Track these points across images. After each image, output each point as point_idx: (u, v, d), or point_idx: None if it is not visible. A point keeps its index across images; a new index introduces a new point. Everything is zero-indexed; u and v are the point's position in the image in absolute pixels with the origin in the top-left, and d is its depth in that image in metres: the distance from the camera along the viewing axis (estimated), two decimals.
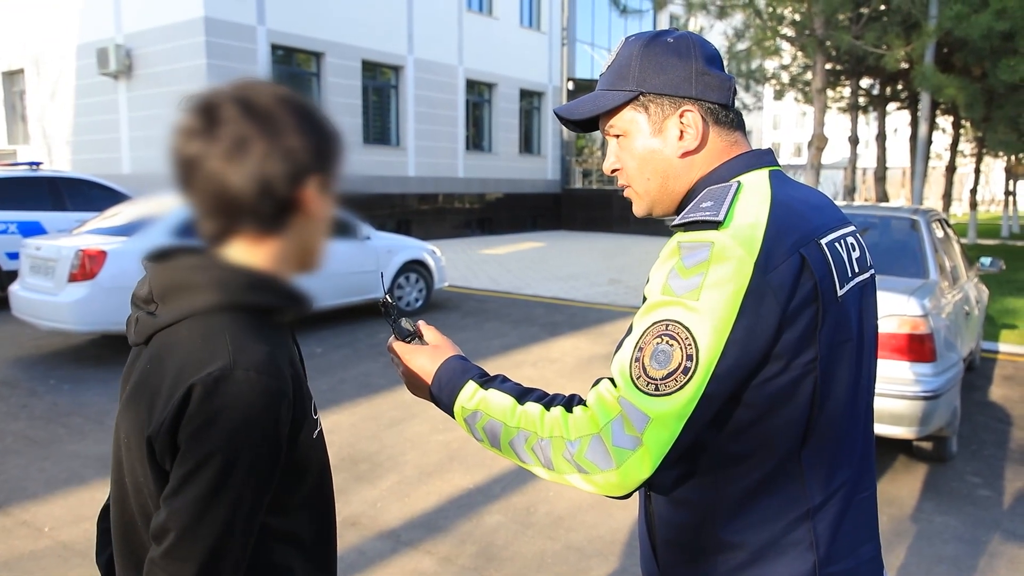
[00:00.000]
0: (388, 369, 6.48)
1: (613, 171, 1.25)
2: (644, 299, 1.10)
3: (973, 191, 22.89)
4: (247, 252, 1.02)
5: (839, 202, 8.50)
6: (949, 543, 3.57)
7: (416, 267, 9.15)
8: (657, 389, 1.00)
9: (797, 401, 1.06)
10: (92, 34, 16.80)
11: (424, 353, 1.27)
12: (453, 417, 1.21)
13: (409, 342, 1.31)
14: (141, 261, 1.06)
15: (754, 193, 1.09)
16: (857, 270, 1.15)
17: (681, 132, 1.17)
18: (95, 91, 16.94)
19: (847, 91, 17.62)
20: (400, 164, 19.09)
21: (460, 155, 21.07)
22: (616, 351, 1.10)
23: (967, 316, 5.02)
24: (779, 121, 67.41)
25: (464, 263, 14.42)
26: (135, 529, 1.04)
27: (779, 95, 17.76)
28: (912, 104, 16.99)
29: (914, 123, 17.02)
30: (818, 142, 10.83)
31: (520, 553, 3.42)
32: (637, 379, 1.02)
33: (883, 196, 16.75)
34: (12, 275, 8.13)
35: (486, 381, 1.19)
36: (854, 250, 1.16)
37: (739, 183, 1.12)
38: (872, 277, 1.21)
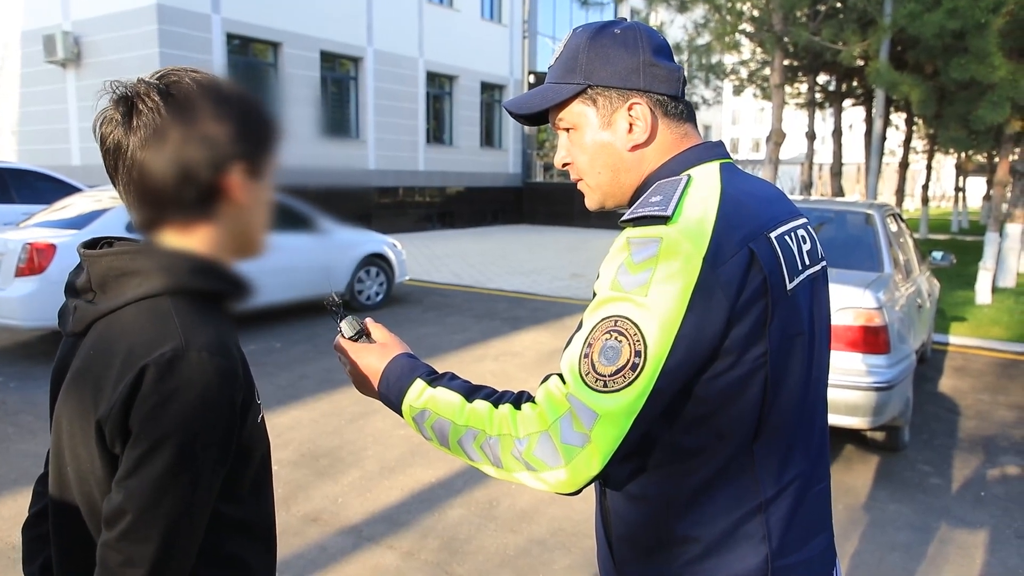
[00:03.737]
0: None
1: (564, 165, 1.24)
2: (594, 294, 1.09)
3: (925, 187, 23.47)
4: (179, 239, 1.02)
5: (796, 197, 8.64)
6: (902, 530, 3.65)
7: (377, 261, 9.07)
8: (605, 386, 1.00)
9: (748, 395, 1.05)
10: (38, 20, 16.30)
11: (372, 351, 1.25)
12: (402, 416, 1.19)
13: (356, 340, 1.28)
14: (78, 250, 1.05)
15: (704, 187, 1.09)
16: (808, 263, 1.14)
17: (630, 125, 1.15)
18: (42, 80, 16.46)
19: (804, 87, 17.89)
20: (360, 157, 18.89)
21: (421, 148, 20.93)
22: (566, 347, 1.08)
23: (920, 309, 5.14)
24: (738, 116, 68.25)
25: (426, 257, 14.35)
26: (76, 521, 1.01)
27: (738, 91, 17.95)
28: (867, 101, 17.33)
29: (869, 120, 17.36)
30: (776, 137, 10.98)
31: (483, 547, 3.41)
32: (586, 375, 1.01)
33: (839, 191, 17.06)
34: None
35: (434, 379, 1.17)
36: (804, 243, 1.15)
37: (689, 176, 1.11)
38: (823, 269, 1.21)
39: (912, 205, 40.30)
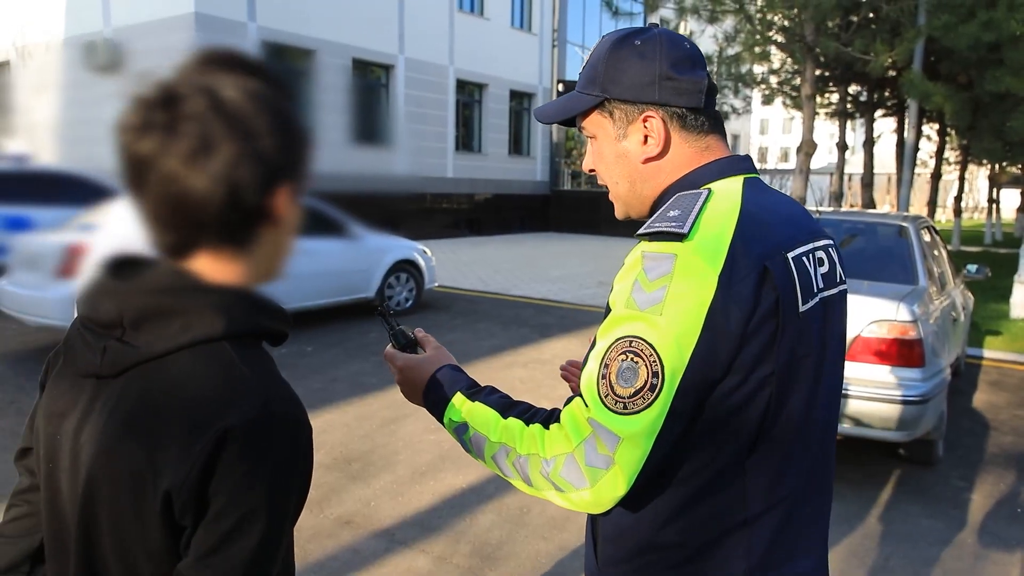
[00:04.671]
0: (380, 368, 6.48)
1: (590, 171, 1.26)
2: (608, 308, 1.09)
3: (957, 198, 23.16)
4: (214, 267, 0.89)
5: (826, 208, 8.58)
6: (935, 546, 3.62)
7: (407, 267, 9.15)
8: (625, 408, 1.00)
9: (750, 413, 1.05)
10: (79, 27, 16.68)
11: (419, 362, 1.29)
12: (443, 425, 1.22)
13: (406, 350, 1.33)
14: (98, 278, 0.92)
15: (723, 202, 1.08)
16: (823, 285, 1.13)
17: (645, 137, 1.15)
18: (83, 85, 16.82)
19: (835, 97, 17.76)
20: (390, 163, 19.05)
21: (450, 155, 21.07)
22: (583, 365, 1.09)
23: (954, 322, 5.09)
24: (767, 126, 67.80)
25: (453, 264, 14.42)
26: None
27: (768, 100, 17.85)
28: (899, 111, 17.16)
29: (900, 130, 17.19)
30: (807, 147, 10.91)
31: (515, 553, 3.44)
32: (605, 397, 1.02)
33: (869, 202, 16.90)
34: (0, 270, 8.07)
35: (474, 393, 1.19)
36: (822, 265, 1.14)
37: (710, 191, 1.10)
38: (841, 293, 1.20)
39: (944, 217, 39.73)
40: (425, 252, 9.48)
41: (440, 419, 1.22)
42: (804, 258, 1.10)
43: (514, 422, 1.11)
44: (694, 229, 1.03)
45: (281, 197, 0.89)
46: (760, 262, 1.02)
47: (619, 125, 1.17)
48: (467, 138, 22.38)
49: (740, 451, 1.07)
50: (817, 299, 1.11)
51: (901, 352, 4.05)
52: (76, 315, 0.94)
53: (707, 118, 1.17)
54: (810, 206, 10.68)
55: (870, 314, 4.07)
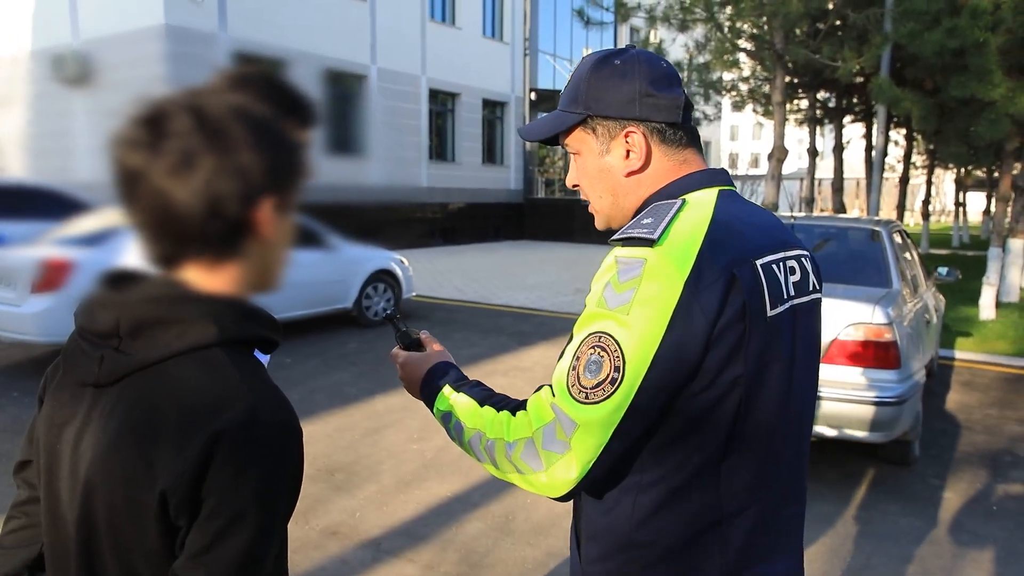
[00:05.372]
0: (360, 379, 6.46)
1: (574, 186, 1.32)
2: (585, 306, 1.16)
3: (925, 202, 23.59)
4: (203, 277, 0.93)
5: (800, 213, 8.71)
6: (914, 544, 3.69)
7: (384, 277, 9.12)
8: (587, 397, 1.06)
9: (721, 415, 1.09)
10: (47, 39, 16.45)
11: (417, 360, 1.39)
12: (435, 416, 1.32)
13: (410, 349, 1.46)
14: (96, 290, 0.96)
15: (696, 211, 1.13)
16: (794, 293, 1.17)
17: (627, 152, 1.21)
18: (51, 97, 16.59)
19: (804, 103, 18.04)
20: (364, 173, 19.00)
21: (424, 164, 21.06)
22: (559, 359, 1.15)
23: (927, 324, 5.20)
24: (736, 132, 68.57)
25: (430, 273, 14.41)
26: None
27: (738, 107, 18.09)
28: (867, 117, 17.46)
29: (868, 135, 17.49)
30: (778, 153, 11.07)
31: (502, 559, 3.45)
32: (571, 387, 1.08)
33: (840, 207, 17.16)
34: None
35: (461, 385, 1.28)
36: (793, 273, 1.19)
37: (684, 200, 1.16)
38: (814, 301, 1.24)
39: (912, 220, 40.46)
40: (402, 262, 9.46)
41: (432, 409, 1.31)
42: (774, 266, 1.15)
43: (488, 410, 1.19)
44: (664, 236, 1.09)
45: (264, 210, 0.92)
46: (728, 269, 1.07)
47: (602, 141, 1.23)
48: (440, 147, 22.38)
49: (714, 453, 1.11)
50: (787, 306, 1.15)
51: (877, 354, 4.13)
52: (74, 327, 0.97)
53: (684, 133, 1.23)
54: (782, 211, 10.83)
55: (846, 317, 4.15)
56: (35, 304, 6.01)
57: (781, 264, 1.17)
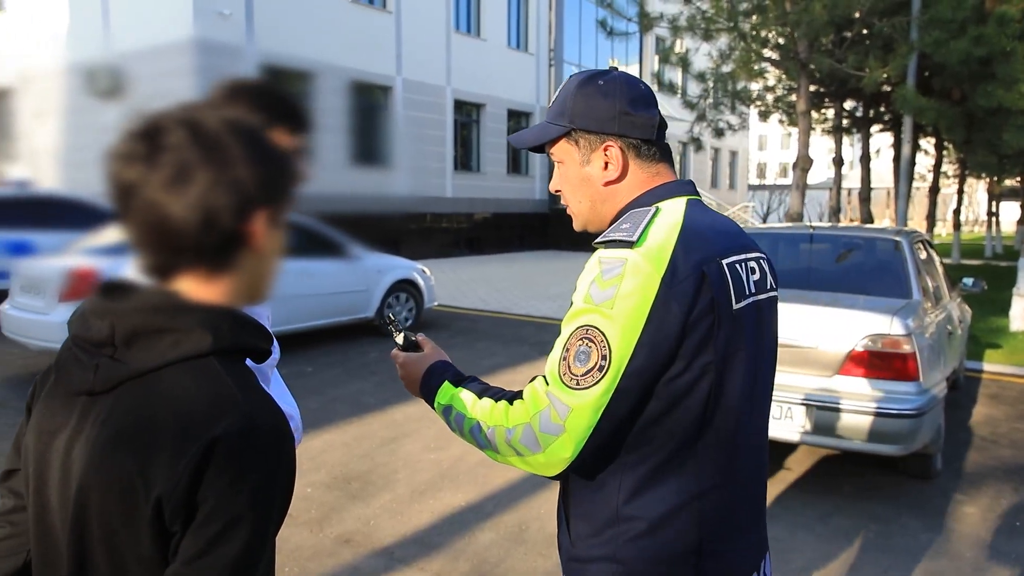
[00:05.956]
0: (379, 388, 6.50)
1: (556, 191, 1.44)
2: (572, 303, 1.26)
3: (956, 212, 23.22)
4: (197, 288, 0.95)
5: (821, 223, 8.61)
6: (934, 559, 3.63)
7: (406, 287, 9.18)
8: (578, 384, 1.18)
9: (695, 397, 1.22)
10: (81, 52, 16.84)
11: (416, 360, 1.49)
12: (435, 411, 1.41)
13: (408, 351, 1.55)
14: (91, 298, 0.97)
15: (669, 217, 1.26)
16: (755, 290, 1.31)
17: (605, 163, 1.34)
18: (85, 110, 16.96)
19: (831, 112, 17.87)
20: (389, 184, 19.16)
21: (448, 175, 21.18)
22: (551, 352, 1.27)
23: (950, 336, 5.12)
24: (765, 142, 68.10)
25: (453, 283, 14.47)
26: None
27: (764, 116, 17.97)
28: (895, 126, 17.26)
29: (897, 145, 17.28)
30: (803, 163, 10.98)
31: (513, 569, 3.45)
32: (563, 375, 1.20)
33: (868, 216, 16.95)
34: (2, 294, 8.11)
35: (459, 381, 1.39)
36: (754, 273, 1.32)
37: (657, 208, 1.28)
38: (771, 298, 1.39)
39: (944, 230, 39.84)
40: (424, 272, 9.51)
41: (431, 404, 1.42)
42: (737, 265, 1.29)
43: (487, 401, 1.30)
44: (642, 238, 1.22)
45: (258, 222, 0.95)
46: (699, 267, 1.21)
47: (583, 152, 1.35)
48: (465, 157, 22.52)
49: (692, 433, 1.24)
50: (750, 300, 1.30)
51: (895, 366, 4.08)
52: (67, 336, 0.98)
53: (658, 149, 1.37)
54: (807, 221, 10.70)
55: (864, 328, 4.10)
56: (62, 313, 6.13)
57: (743, 264, 1.30)
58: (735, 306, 1.24)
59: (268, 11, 16.08)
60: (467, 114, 22.36)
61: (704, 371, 1.21)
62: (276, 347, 1.67)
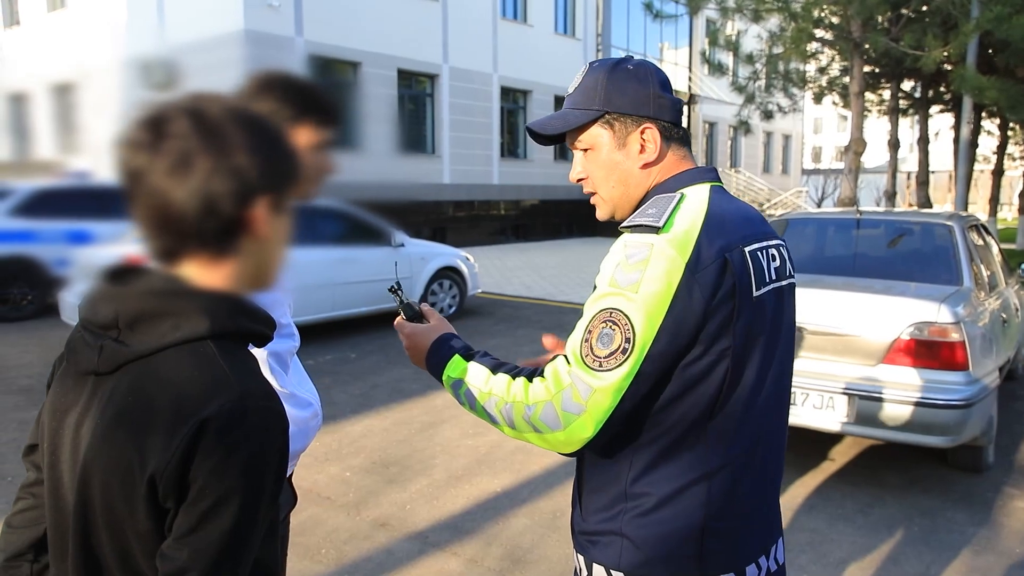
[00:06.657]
0: (420, 374, 6.56)
1: (578, 180, 1.43)
2: (595, 287, 1.27)
3: (1022, 195, 22.32)
4: (200, 273, 0.98)
5: (877, 207, 8.38)
6: (981, 555, 3.52)
7: (449, 273, 9.24)
8: (601, 366, 1.19)
9: (711, 381, 1.23)
10: (137, 46, 17.28)
11: (423, 331, 1.48)
12: (442, 384, 1.41)
13: (413, 321, 1.53)
14: (96, 282, 1.01)
15: (693, 204, 1.28)
16: (775, 277, 1.33)
17: (642, 146, 1.34)
18: (141, 103, 17.39)
19: (887, 94, 17.32)
20: (436, 172, 19.25)
21: (495, 162, 21.18)
22: (572, 333, 1.27)
23: (1005, 324, 4.93)
24: (820, 125, 66.43)
25: (498, 270, 14.50)
26: (105, 573, 0.98)
27: (818, 99, 17.51)
28: (955, 107, 16.64)
29: (957, 126, 16.67)
30: (856, 146, 10.69)
31: (546, 556, 3.46)
32: (585, 357, 1.21)
33: (925, 201, 16.42)
34: (62, 281, 8.40)
35: (469, 355, 1.39)
36: (774, 260, 1.34)
37: (682, 194, 1.29)
38: (791, 285, 1.40)
39: (1010, 214, 38.34)
40: (468, 259, 9.55)
41: (439, 377, 1.41)
42: (758, 252, 1.30)
43: (502, 376, 1.31)
44: (668, 224, 1.23)
45: (260, 209, 0.97)
46: (722, 253, 1.22)
47: (619, 135, 1.35)
48: (512, 145, 22.47)
49: (704, 414, 1.25)
50: (770, 287, 1.31)
51: (943, 355, 3.95)
52: (78, 319, 1.02)
53: (682, 132, 1.40)
54: (865, 205, 10.39)
55: (910, 316, 3.98)
56: None
57: (764, 251, 1.32)
58: (756, 293, 1.26)
59: (316, 2, 16.26)
60: (514, 101, 22.29)
61: (722, 356, 1.22)
62: (296, 334, 1.69)
